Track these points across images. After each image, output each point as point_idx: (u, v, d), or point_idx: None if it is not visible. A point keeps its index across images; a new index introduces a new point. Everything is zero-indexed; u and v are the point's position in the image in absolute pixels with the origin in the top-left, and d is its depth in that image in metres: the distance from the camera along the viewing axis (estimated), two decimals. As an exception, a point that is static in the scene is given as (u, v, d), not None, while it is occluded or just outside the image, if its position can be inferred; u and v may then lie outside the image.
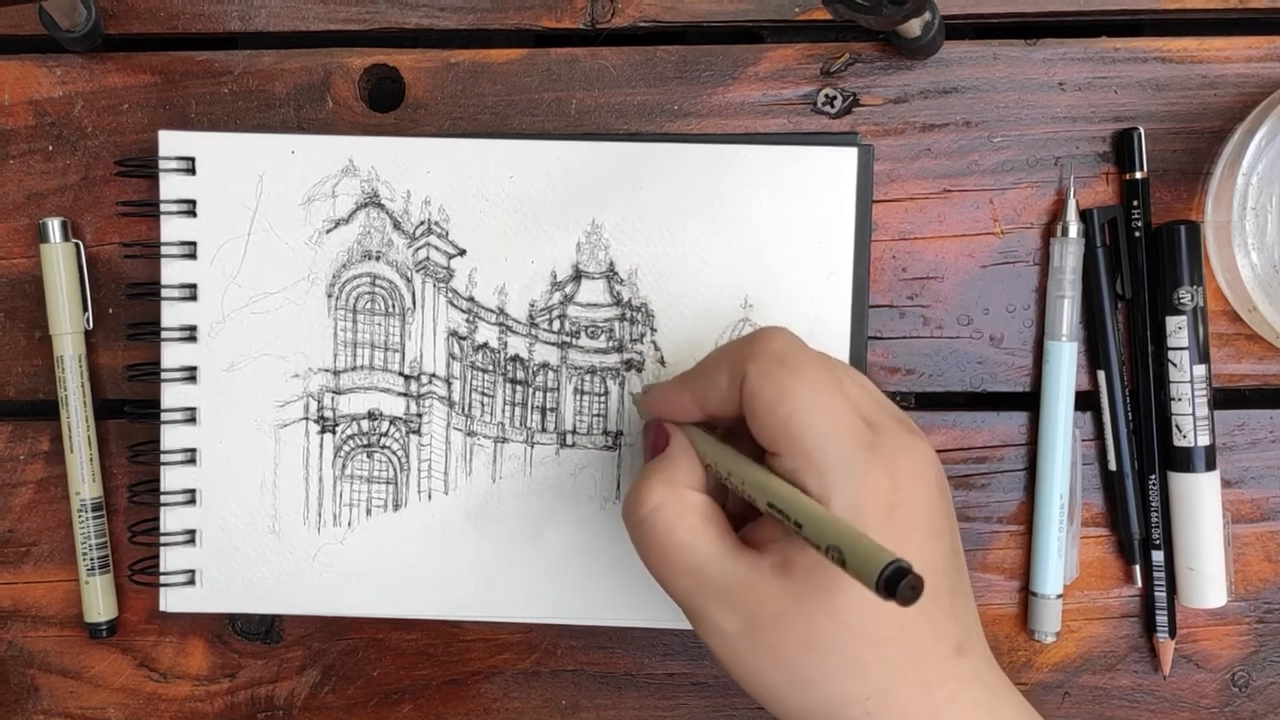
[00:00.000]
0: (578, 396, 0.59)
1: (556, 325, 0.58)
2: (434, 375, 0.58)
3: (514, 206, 0.58)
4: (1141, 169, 0.58)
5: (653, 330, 0.58)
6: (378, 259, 0.58)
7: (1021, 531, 0.60)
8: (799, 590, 0.43)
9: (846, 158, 0.57)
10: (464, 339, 0.58)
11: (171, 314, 0.59)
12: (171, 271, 0.58)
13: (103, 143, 0.60)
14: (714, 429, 0.50)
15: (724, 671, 0.46)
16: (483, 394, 0.59)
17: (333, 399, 0.59)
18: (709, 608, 0.45)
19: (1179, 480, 0.58)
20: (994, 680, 0.46)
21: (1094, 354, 0.59)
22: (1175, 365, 0.58)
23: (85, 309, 0.60)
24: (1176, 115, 0.59)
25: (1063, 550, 0.59)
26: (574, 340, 0.58)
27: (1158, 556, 0.59)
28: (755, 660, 0.44)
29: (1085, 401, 0.60)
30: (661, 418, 0.51)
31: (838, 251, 0.57)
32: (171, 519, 0.59)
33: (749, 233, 0.58)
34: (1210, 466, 0.58)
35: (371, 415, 0.59)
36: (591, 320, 0.58)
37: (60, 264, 0.59)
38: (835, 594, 0.42)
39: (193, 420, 0.59)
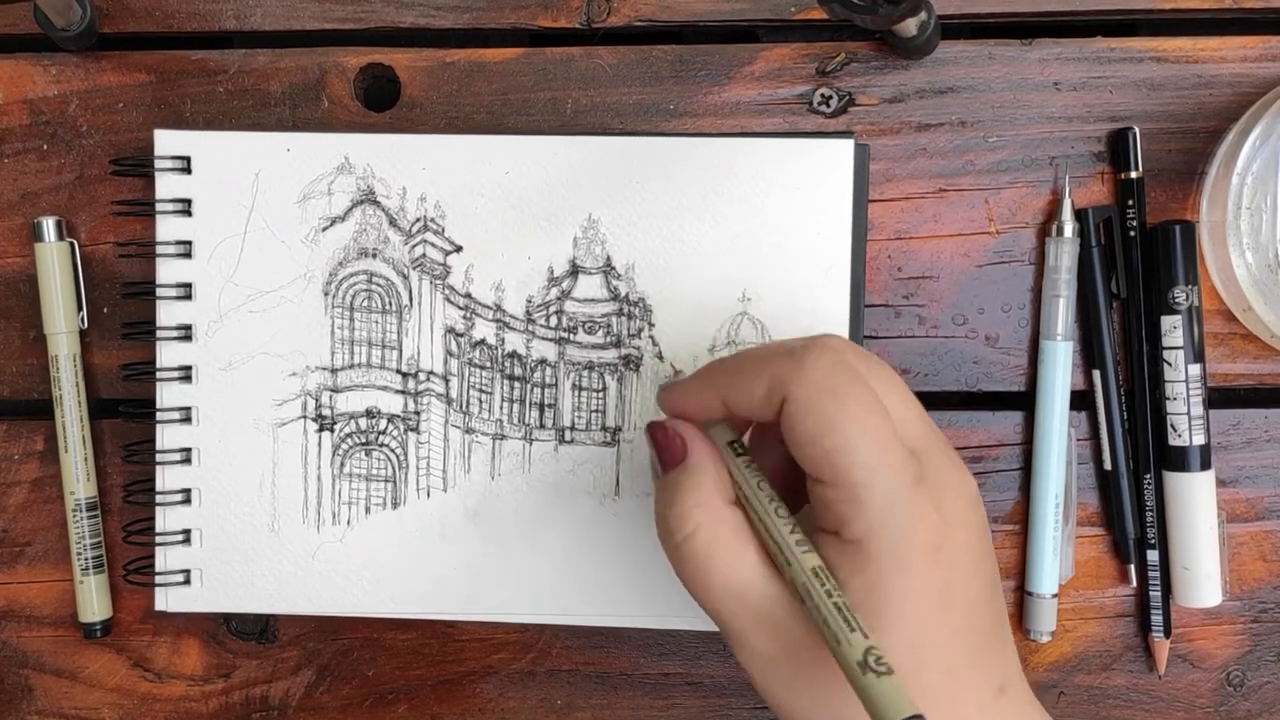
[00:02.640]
0: (576, 392, 0.59)
1: (554, 321, 0.58)
2: (432, 372, 0.58)
3: (510, 202, 0.58)
4: (1137, 169, 0.58)
5: (650, 325, 0.58)
6: (374, 256, 0.58)
7: (1017, 531, 0.60)
8: None
9: (843, 149, 0.57)
10: (461, 336, 0.58)
11: (167, 313, 0.58)
12: (167, 270, 0.58)
13: (97, 142, 0.60)
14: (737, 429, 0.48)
15: (755, 693, 0.45)
16: (481, 391, 0.59)
17: (330, 397, 0.58)
18: (749, 631, 0.44)
19: (1174, 479, 0.58)
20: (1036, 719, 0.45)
21: (1089, 353, 0.59)
22: (1170, 364, 0.58)
23: (80, 308, 0.60)
24: (1171, 115, 0.59)
25: (1058, 549, 0.59)
26: (571, 336, 0.58)
27: (1153, 556, 0.59)
28: (790, 687, 0.43)
29: (1080, 401, 0.60)
30: (682, 415, 0.48)
31: (836, 244, 0.57)
32: (169, 518, 0.59)
33: (746, 226, 0.58)
34: (1205, 466, 0.58)
35: (369, 413, 0.59)
36: (589, 316, 0.58)
37: (55, 263, 0.59)
38: (878, 634, 0.41)
39: (189, 420, 0.59)
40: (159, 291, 0.58)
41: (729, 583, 0.44)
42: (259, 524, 0.59)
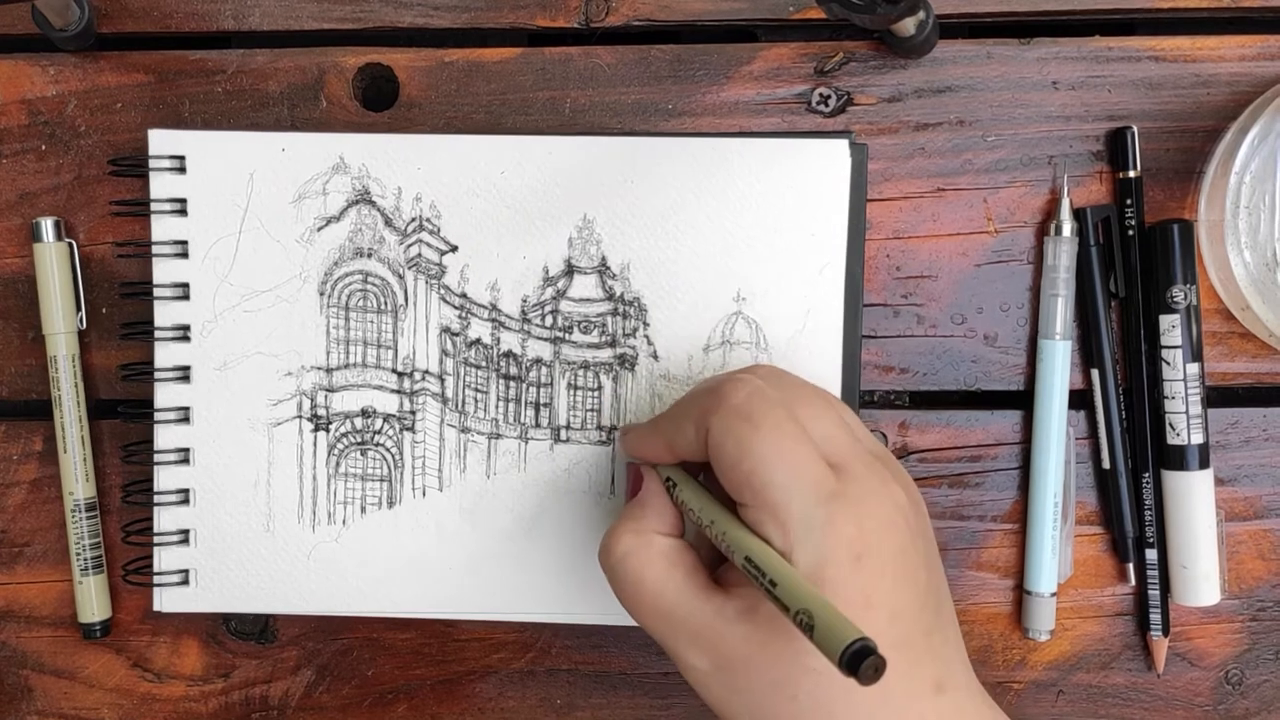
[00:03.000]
0: (571, 392, 0.58)
1: (549, 321, 0.58)
2: (427, 372, 0.58)
3: (505, 202, 0.58)
4: (1135, 168, 0.58)
5: (645, 325, 0.58)
6: (369, 256, 0.58)
7: (1016, 530, 0.60)
8: (764, 635, 0.44)
9: (838, 150, 0.57)
10: (457, 335, 0.58)
11: (164, 313, 0.58)
12: (163, 271, 0.58)
13: (96, 142, 0.60)
14: (696, 472, 0.51)
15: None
16: (476, 390, 0.58)
17: (326, 397, 0.58)
18: (680, 648, 0.46)
19: (1172, 478, 0.58)
20: (978, 714, 0.47)
21: (1088, 352, 0.59)
22: (1169, 364, 0.58)
23: (78, 309, 0.60)
24: (1170, 114, 0.59)
25: (1057, 548, 0.59)
26: (567, 335, 0.58)
27: (1151, 555, 0.59)
28: (726, 698, 0.45)
29: (1079, 400, 0.60)
30: (640, 459, 0.53)
31: (831, 244, 0.57)
32: (165, 519, 0.59)
33: (741, 226, 0.58)
34: (1204, 465, 0.58)
35: (365, 413, 0.59)
36: (584, 315, 0.58)
37: (54, 264, 0.59)
38: (799, 639, 0.42)
39: (186, 420, 0.59)
40: (156, 292, 0.58)
41: (657, 604, 0.47)
42: (254, 524, 0.59)
